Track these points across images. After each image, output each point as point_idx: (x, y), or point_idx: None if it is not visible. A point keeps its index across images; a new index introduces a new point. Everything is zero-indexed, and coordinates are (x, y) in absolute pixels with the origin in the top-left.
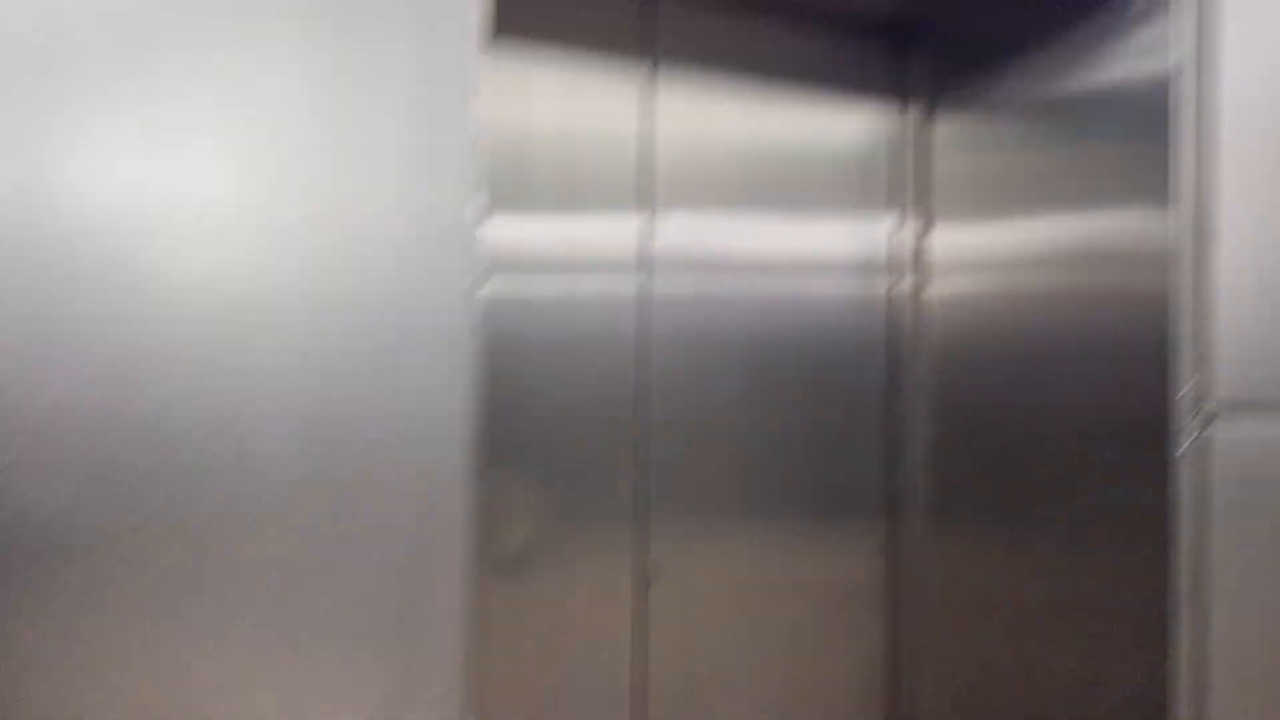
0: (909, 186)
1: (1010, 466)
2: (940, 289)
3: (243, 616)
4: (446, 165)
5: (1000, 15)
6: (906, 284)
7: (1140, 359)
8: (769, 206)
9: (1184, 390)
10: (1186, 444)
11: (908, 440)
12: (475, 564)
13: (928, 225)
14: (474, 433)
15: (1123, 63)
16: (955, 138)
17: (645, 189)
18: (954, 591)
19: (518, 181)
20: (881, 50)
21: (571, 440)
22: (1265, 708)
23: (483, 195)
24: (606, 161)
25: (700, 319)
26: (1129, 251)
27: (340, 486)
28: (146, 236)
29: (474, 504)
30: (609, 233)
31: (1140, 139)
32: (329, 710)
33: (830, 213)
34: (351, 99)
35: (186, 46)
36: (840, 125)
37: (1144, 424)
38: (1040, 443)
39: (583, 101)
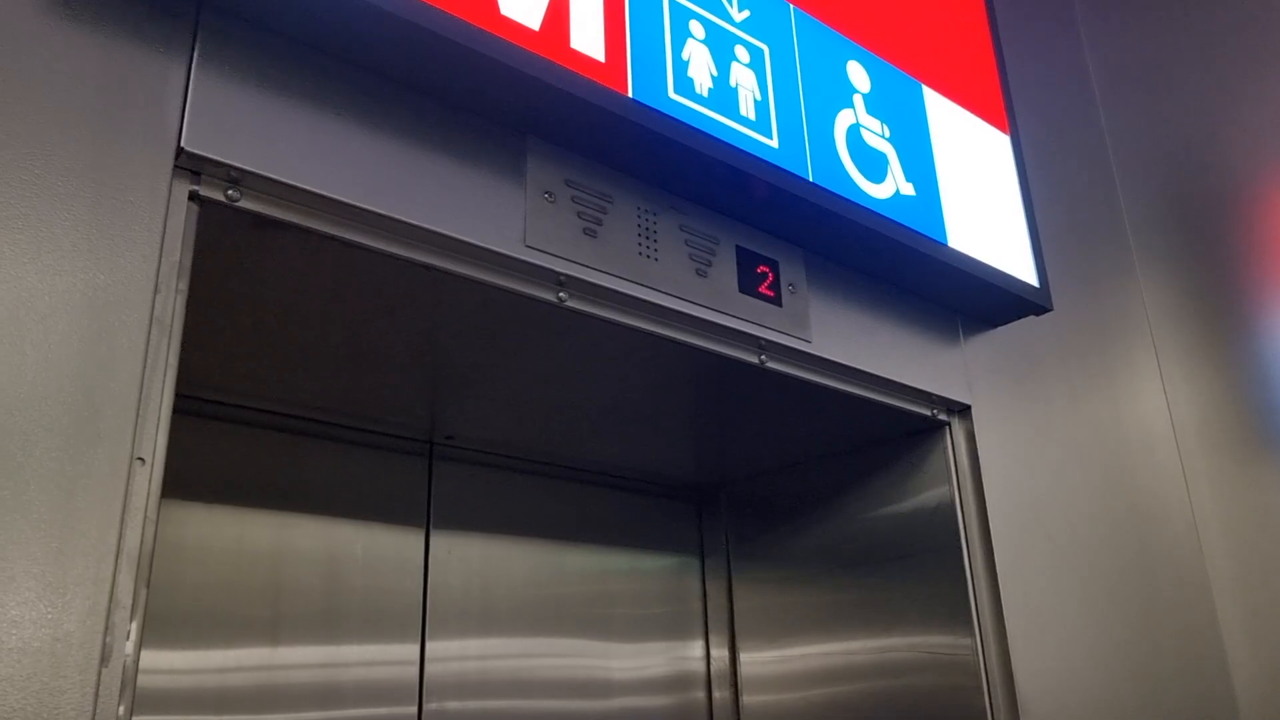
0: (715, 618)
1: None
2: (753, 700)
3: None
4: None
5: (790, 480)
6: (724, 696)
7: None
8: (583, 635)
9: None
10: None
11: None
12: None
13: (734, 649)
14: None
15: (906, 513)
16: (754, 579)
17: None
18: None
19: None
20: (683, 511)
21: None
22: None
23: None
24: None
25: None
26: (929, 662)
27: None
28: None
29: None
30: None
31: (927, 575)
32: None
33: (649, 639)
34: None
35: None
36: (650, 569)
37: None
38: None
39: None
